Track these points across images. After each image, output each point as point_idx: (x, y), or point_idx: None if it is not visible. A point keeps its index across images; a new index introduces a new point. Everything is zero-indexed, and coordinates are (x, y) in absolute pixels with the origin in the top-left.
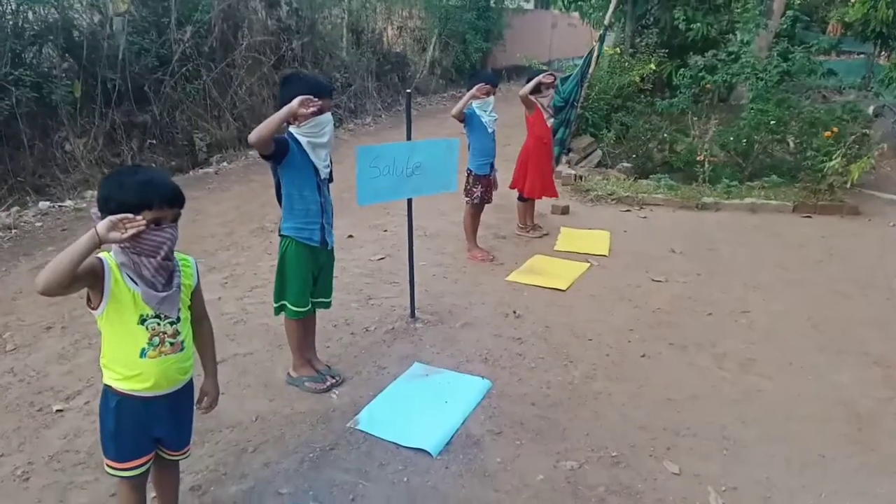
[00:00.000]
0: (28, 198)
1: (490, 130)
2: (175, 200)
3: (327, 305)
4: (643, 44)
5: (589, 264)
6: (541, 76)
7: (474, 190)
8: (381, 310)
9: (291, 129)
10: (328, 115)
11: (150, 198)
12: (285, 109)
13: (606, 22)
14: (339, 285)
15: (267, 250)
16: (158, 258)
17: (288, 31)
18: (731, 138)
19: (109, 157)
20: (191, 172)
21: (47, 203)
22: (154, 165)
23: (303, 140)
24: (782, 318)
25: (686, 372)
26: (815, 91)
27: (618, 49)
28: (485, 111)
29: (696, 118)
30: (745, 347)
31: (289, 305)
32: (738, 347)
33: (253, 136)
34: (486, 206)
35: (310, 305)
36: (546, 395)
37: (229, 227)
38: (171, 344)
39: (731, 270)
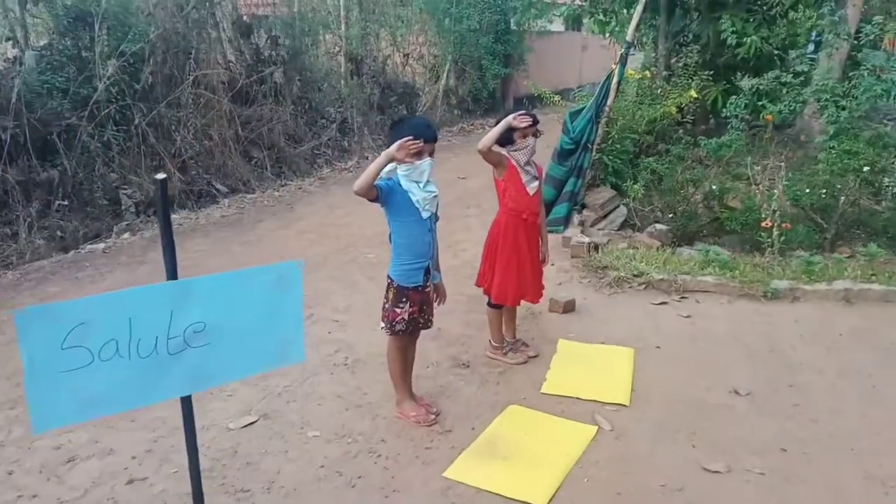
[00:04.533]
0: None
1: (426, 215)
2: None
3: None
4: (680, 65)
5: (596, 429)
6: (510, 117)
7: (396, 311)
8: None
9: None
10: None
11: None
12: None
13: (629, 38)
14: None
15: None
16: None
17: (263, 62)
18: (807, 190)
19: None
20: (71, 252)
21: None
22: (62, 233)
23: None
24: None
25: None
26: None
27: (647, 72)
28: (417, 183)
29: (755, 163)
30: None
31: None
32: None
33: None
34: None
35: None
36: None
37: None
38: None
39: (837, 437)
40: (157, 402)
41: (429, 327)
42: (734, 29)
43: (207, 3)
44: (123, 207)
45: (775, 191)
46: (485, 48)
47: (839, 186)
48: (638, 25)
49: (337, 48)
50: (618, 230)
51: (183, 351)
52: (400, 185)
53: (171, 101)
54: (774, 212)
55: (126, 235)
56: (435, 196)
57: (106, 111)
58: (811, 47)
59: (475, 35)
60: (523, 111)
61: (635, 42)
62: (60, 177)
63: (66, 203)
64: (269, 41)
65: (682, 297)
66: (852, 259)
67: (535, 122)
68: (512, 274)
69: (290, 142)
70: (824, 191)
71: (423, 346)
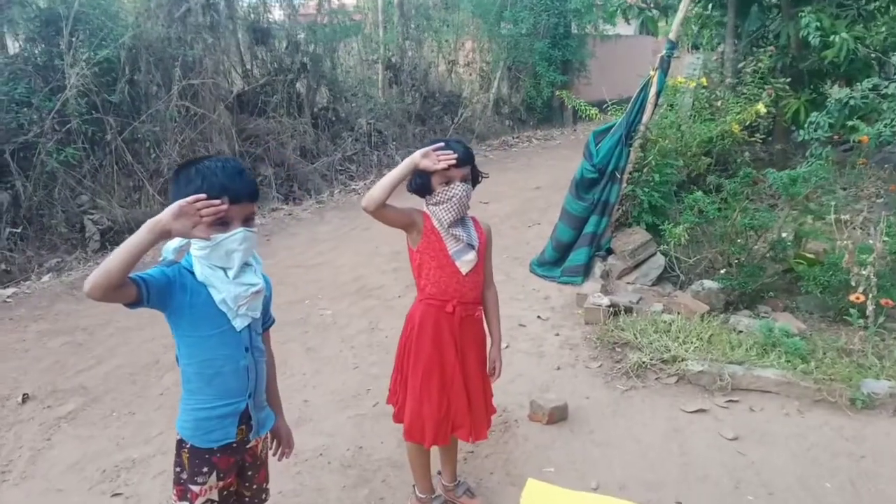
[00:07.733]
0: None
1: (241, 324)
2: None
3: None
4: (750, 70)
5: None
6: (418, 153)
7: (193, 488)
8: None
9: None
10: None
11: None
12: None
13: (672, 36)
14: None
15: None
16: None
17: (283, 70)
18: None
19: None
20: None
21: None
22: (7, 266)
23: None
24: None
25: None
26: None
27: (703, 79)
28: (223, 270)
29: (840, 200)
30: None
31: None
32: None
33: None
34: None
35: None
36: None
37: None
38: None
39: None
40: None
41: (262, 501)
42: (819, 25)
43: (211, 7)
44: (87, 235)
45: (872, 242)
46: (540, 54)
47: None
48: (684, 20)
49: (374, 56)
50: (653, 285)
51: None
52: (192, 275)
53: (152, 113)
54: (867, 278)
55: (47, 278)
56: (257, 291)
57: (67, 126)
58: None
59: (529, 39)
60: (442, 142)
61: (681, 42)
62: (12, 200)
63: (16, 231)
64: (288, 47)
65: (728, 401)
66: None
67: (466, 160)
68: (430, 399)
69: (306, 157)
70: None
71: (322, 481)
